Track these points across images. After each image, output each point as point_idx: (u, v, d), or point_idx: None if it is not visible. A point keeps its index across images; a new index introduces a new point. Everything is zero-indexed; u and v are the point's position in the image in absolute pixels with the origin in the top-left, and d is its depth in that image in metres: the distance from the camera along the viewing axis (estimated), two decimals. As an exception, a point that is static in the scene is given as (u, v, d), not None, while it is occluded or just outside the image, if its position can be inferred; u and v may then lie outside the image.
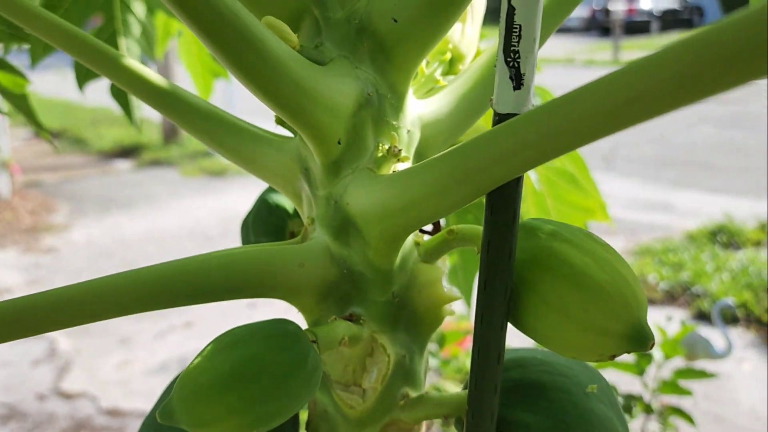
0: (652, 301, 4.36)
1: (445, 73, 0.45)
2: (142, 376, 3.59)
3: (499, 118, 0.31)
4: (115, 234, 5.61)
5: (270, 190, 0.55)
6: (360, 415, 0.42)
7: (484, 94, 0.43)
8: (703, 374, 1.66)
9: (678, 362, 2.31)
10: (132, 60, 0.42)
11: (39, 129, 0.85)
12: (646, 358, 1.71)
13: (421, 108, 0.42)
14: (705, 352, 2.41)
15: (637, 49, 17.68)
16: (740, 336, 3.93)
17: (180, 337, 3.89)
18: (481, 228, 0.36)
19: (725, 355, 2.53)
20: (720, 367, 3.46)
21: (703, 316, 4.05)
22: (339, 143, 0.38)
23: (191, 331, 3.96)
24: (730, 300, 3.15)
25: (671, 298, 4.41)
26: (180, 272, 0.37)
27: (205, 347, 0.35)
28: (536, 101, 1.06)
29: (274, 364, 0.34)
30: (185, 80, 1.07)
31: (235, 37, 0.32)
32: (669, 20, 20.29)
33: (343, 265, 0.40)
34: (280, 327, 0.36)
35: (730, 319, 3.93)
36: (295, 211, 0.53)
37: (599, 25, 20.15)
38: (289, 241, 0.43)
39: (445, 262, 0.44)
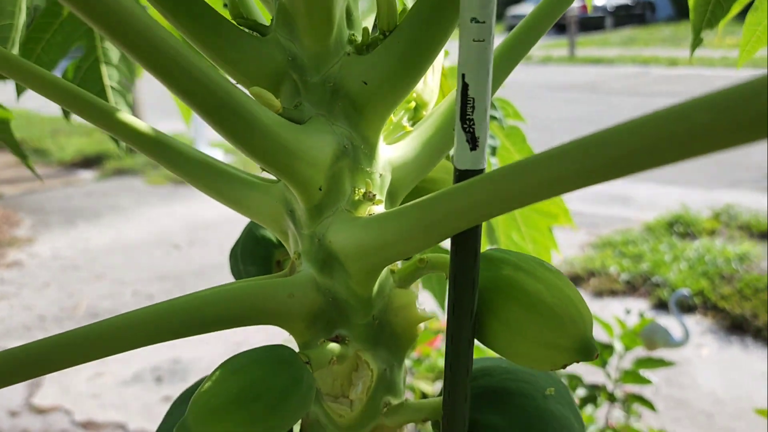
0: (614, 292, 4.50)
1: (411, 119, 0.51)
2: (115, 387, 3.59)
3: (459, 173, 0.37)
4: (81, 246, 5.56)
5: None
6: (348, 422, 0.47)
7: (446, 137, 0.49)
8: (661, 363, 1.76)
9: (639, 352, 2.42)
10: (126, 114, 0.47)
11: (23, 159, 0.88)
12: (608, 350, 1.80)
13: (390, 153, 0.48)
14: (664, 341, 2.53)
15: (592, 45, 18.04)
16: (698, 323, 4.09)
17: (151, 347, 3.89)
18: (448, 257, 0.42)
19: (683, 343, 2.66)
20: (680, 354, 3.60)
21: (662, 306, 4.19)
22: (320, 190, 0.44)
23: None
24: (686, 291, 3.29)
25: (632, 288, 4.55)
26: (189, 306, 0.42)
27: (213, 372, 0.41)
28: (498, 114, 1.11)
29: (274, 385, 0.39)
30: (151, 100, 1.11)
31: (229, 113, 0.37)
32: (622, 16, 20.75)
33: (328, 294, 0.45)
34: (278, 353, 0.41)
35: (686, 308, 4.09)
36: (279, 241, 0.58)
37: (555, 23, 20.46)
38: (279, 274, 0.48)
39: (418, 286, 0.50)
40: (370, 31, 0.44)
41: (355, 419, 0.47)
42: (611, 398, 1.79)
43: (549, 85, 12.12)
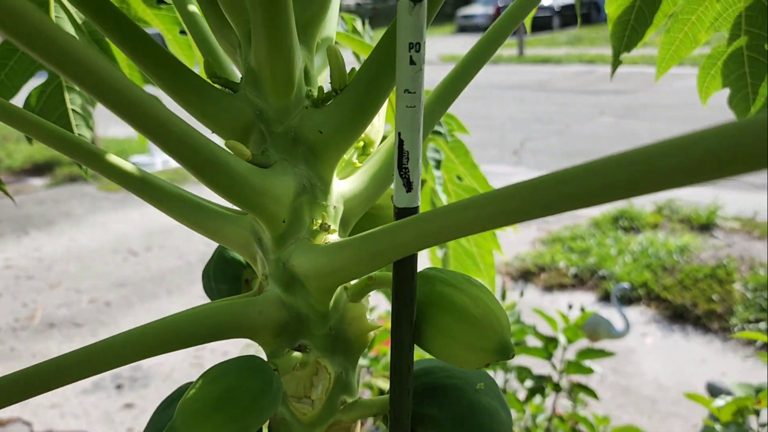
0: (563, 286, 4.67)
1: (359, 155, 0.60)
2: (75, 396, 3.58)
3: (398, 211, 0.45)
4: (34, 254, 5.47)
5: (224, 244, 0.68)
6: (310, 419, 0.55)
7: (389, 171, 0.57)
8: (602, 353, 1.88)
9: (583, 344, 2.56)
10: (113, 156, 0.54)
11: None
12: (552, 343, 1.92)
13: (343, 187, 0.56)
14: (607, 333, 2.68)
15: (540, 45, 18.44)
16: (642, 313, 4.29)
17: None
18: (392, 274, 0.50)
19: (624, 334, 2.81)
20: (624, 344, 3.77)
21: (608, 298, 4.38)
22: (284, 222, 0.52)
23: (121, 347, 3.96)
24: (626, 284, 3.46)
25: (580, 282, 4.73)
26: (176, 324, 0.49)
27: (197, 380, 0.48)
28: (443, 129, 1.21)
29: (248, 390, 0.47)
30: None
31: (208, 164, 0.45)
32: (568, 15, 21.22)
33: (291, 309, 0.53)
34: (250, 362, 0.49)
35: (627, 300, 4.28)
36: (246, 263, 0.66)
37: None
38: (249, 293, 0.56)
39: (368, 300, 0.58)
40: (323, 87, 0.52)
41: (316, 416, 0.55)
42: (557, 388, 1.91)
43: (500, 84, 12.36)
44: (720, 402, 1.36)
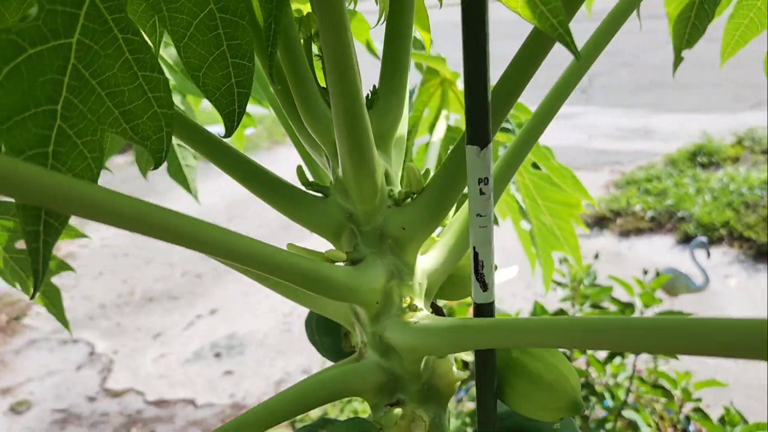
0: (641, 231, 4.63)
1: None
2: (179, 366, 3.89)
3: (476, 306, 0.54)
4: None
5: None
6: (412, 460, 0.66)
7: (463, 242, 0.65)
8: (680, 314, 1.92)
9: (662, 307, 2.58)
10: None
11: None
12: (629, 309, 1.97)
13: (424, 263, 0.64)
14: (685, 287, 2.69)
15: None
16: (725, 254, 4.22)
17: (207, 325, 4.17)
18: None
19: (704, 288, 2.81)
20: (709, 287, 3.74)
21: (689, 239, 4.32)
22: (377, 303, 0.61)
23: (216, 317, 4.24)
24: (703, 238, 3.41)
25: (658, 225, 4.67)
26: (300, 393, 0.60)
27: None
28: (510, 125, 1.26)
29: (360, 450, 0.58)
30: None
31: (314, 282, 0.54)
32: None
33: (389, 372, 0.63)
34: (359, 424, 0.59)
35: (705, 253, 4.21)
36: (345, 317, 0.76)
37: None
38: (351, 358, 0.66)
39: (453, 357, 0.67)
40: (402, 190, 0.61)
41: (416, 458, 0.65)
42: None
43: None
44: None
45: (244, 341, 4.04)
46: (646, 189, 5.06)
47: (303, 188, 0.62)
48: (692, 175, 5.15)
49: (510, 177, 0.66)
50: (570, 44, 0.42)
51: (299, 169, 0.62)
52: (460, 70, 0.48)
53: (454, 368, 0.66)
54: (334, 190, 0.61)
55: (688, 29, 1.01)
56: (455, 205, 0.68)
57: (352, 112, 0.53)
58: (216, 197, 6.31)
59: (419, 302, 0.63)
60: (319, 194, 0.62)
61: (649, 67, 8.03)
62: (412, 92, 1.23)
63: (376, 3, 0.70)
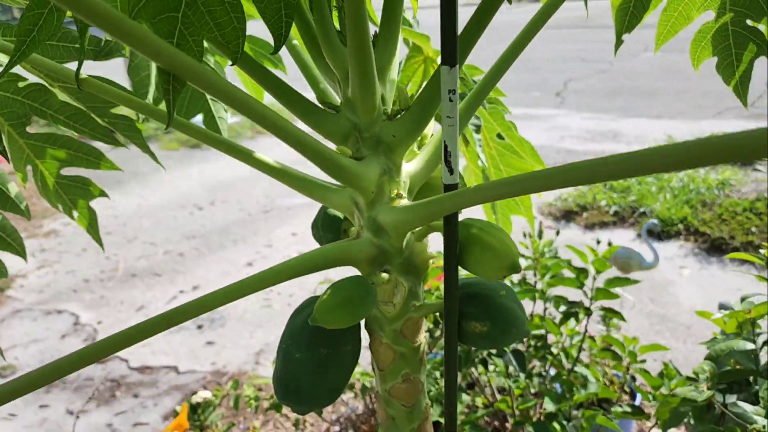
0: (605, 224, 4.91)
1: (418, 145, 0.89)
2: (162, 336, 4.05)
3: (445, 186, 0.75)
4: (109, 212, 5.97)
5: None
6: (392, 316, 0.87)
7: (437, 156, 0.87)
8: (627, 281, 2.16)
9: (612, 273, 2.82)
10: (260, 154, 0.85)
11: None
12: (583, 274, 2.21)
13: (408, 168, 0.86)
14: (638, 264, 2.94)
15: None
16: (681, 247, 4.51)
17: (190, 299, 4.33)
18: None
19: (654, 265, 3.07)
20: (663, 275, 4.02)
21: (649, 234, 4.61)
22: (372, 192, 0.82)
23: (198, 293, 4.41)
24: (655, 221, 3.68)
25: (621, 219, 4.96)
26: (304, 263, 0.81)
27: (326, 291, 0.80)
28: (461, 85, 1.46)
29: (359, 295, 0.79)
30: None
31: (326, 160, 0.76)
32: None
33: (379, 247, 0.84)
34: (359, 280, 0.80)
35: (657, 235, 4.49)
36: (345, 218, 0.97)
37: None
38: (350, 238, 0.87)
39: (428, 240, 0.88)
40: (392, 106, 0.82)
41: (396, 314, 0.87)
42: (588, 312, 2.21)
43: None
44: (718, 315, 1.64)
45: (225, 315, 4.22)
46: (611, 186, 5.34)
47: (321, 106, 0.83)
48: (655, 175, 5.45)
49: (471, 114, 0.88)
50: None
51: (319, 93, 0.84)
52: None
53: (429, 249, 0.88)
54: (343, 107, 0.82)
55: (628, 17, 1.24)
56: (432, 121, 0.90)
57: (362, 47, 0.74)
58: (199, 181, 6.47)
59: (404, 194, 0.84)
60: (332, 111, 0.83)
61: (621, 74, 8.36)
62: (399, 64, 1.44)
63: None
